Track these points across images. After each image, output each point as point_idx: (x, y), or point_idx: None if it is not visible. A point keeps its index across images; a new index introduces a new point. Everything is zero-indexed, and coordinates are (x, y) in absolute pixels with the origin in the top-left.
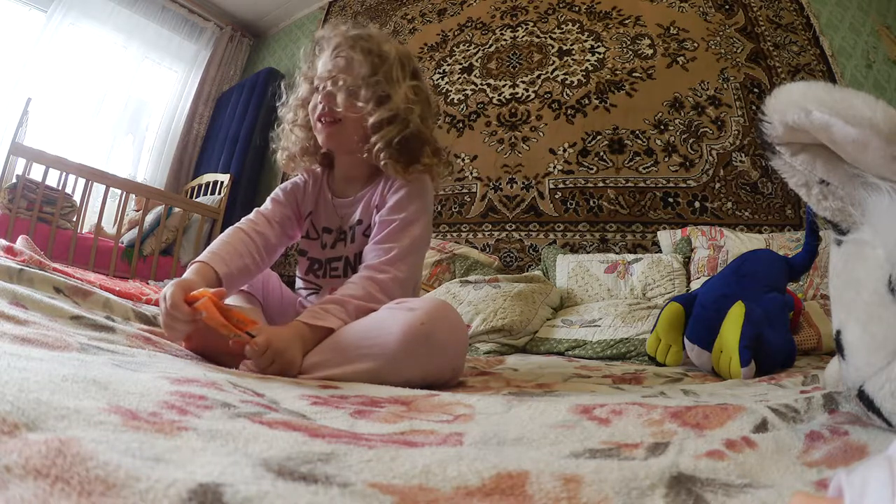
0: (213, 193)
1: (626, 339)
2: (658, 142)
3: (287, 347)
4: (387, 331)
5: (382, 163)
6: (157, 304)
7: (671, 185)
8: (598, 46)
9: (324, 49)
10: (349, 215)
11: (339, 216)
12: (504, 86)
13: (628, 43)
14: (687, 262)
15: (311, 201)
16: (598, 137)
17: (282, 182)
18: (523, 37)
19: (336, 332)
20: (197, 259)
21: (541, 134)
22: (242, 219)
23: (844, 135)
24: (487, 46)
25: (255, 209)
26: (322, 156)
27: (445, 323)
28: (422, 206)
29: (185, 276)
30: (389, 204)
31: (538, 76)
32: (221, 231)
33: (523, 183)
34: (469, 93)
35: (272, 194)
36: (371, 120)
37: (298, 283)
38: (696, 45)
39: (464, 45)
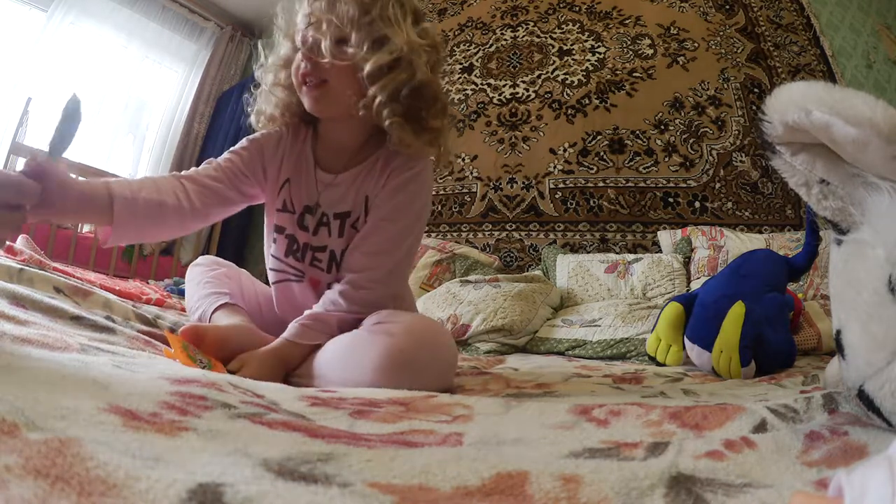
0: None
1: (626, 338)
2: (658, 142)
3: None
4: (365, 359)
5: (387, 122)
6: (157, 303)
7: (671, 185)
8: (599, 46)
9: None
10: (334, 198)
11: (318, 192)
12: (504, 86)
13: (628, 43)
14: (687, 262)
15: (288, 165)
16: (599, 137)
17: None
18: (523, 37)
19: (317, 354)
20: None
21: (541, 134)
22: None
23: (844, 134)
24: (488, 46)
25: (210, 160)
26: (304, 117)
27: (426, 345)
28: (420, 211)
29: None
30: (386, 208)
31: (538, 76)
32: (221, 230)
33: (523, 183)
34: (469, 92)
35: (239, 145)
36: (367, 67)
37: (276, 265)
38: (696, 45)
39: (464, 45)
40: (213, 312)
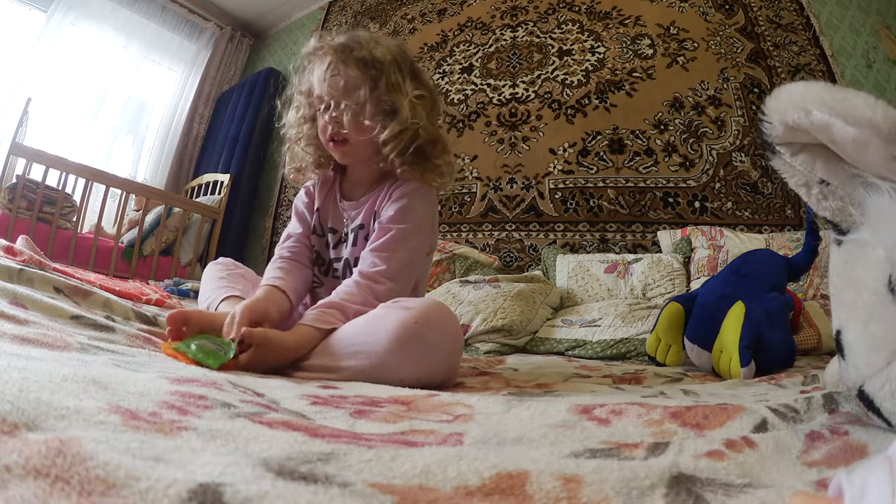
0: (213, 193)
1: (626, 339)
2: (658, 142)
3: (273, 368)
4: (380, 329)
5: (399, 170)
6: (157, 303)
7: (671, 185)
8: (598, 46)
9: (314, 63)
10: (353, 218)
11: (342, 217)
12: (504, 86)
13: (628, 43)
14: (687, 262)
15: (320, 200)
16: (598, 137)
17: (282, 183)
18: (523, 37)
19: (332, 333)
20: (264, 284)
21: (541, 134)
22: (279, 246)
23: (844, 134)
24: (487, 46)
25: (286, 232)
26: (335, 163)
27: (439, 323)
28: (422, 219)
29: (257, 296)
30: (390, 213)
31: (538, 76)
32: (221, 231)
33: (523, 183)
34: (469, 93)
35: (294, 209)
36: (382, 136)
37: None
38: (696, 45)
39: (464, 45)
40: (218, 303)
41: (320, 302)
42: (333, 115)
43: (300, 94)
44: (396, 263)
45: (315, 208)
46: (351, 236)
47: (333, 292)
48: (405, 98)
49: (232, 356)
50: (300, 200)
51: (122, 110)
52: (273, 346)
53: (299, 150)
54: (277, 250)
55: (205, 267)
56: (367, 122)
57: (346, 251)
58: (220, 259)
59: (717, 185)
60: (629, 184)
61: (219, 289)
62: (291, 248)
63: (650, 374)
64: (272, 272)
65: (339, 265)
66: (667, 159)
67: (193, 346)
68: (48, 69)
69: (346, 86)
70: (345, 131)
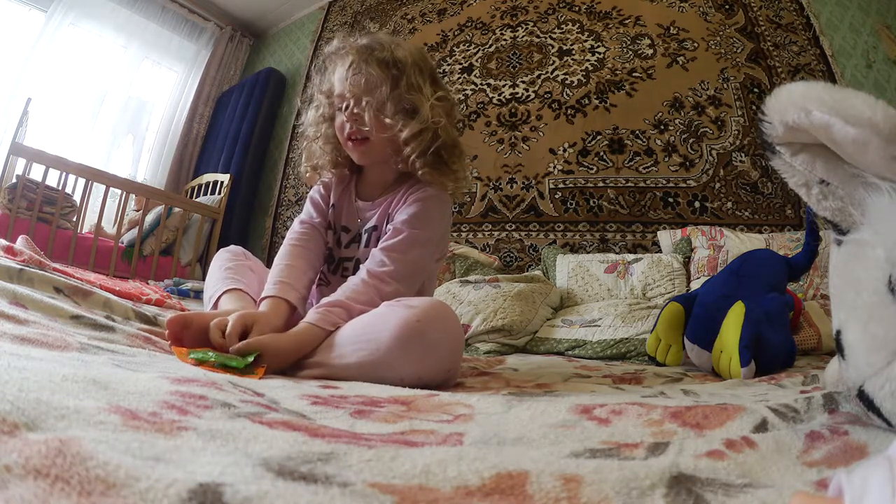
0: (213, 193)
1: (626, 339)
2: (658, 142)
3: (277, 370)
4: (383, 326)
5: (420, 172)
6: (157, 303)
7: (671, 185)
8: (598, 46)
9: (336, 63)
10: (367, 219)
11: (356, 217)
12: (504, 86)
13: (628, 43)
14: (687, 262)
15: (335, 196)
16: (598, 137)
17: (282, 183)
18: (523, 37)
19: (336, 332)
20: (267, 294)
21: (541, 134)
22: (290, 233)
23: (844, 134)
24: (487, 46)
25: (298, 219)
26: (351, 163)
27: (441, 322)
28: (436, 227)
29: (261, 309)
30: (404, 217)
31: (538, 76)
32: (221, 231)
33: (523, 183)
34: (469, 93)
35: (310, 198)
36: (403, 135)
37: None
38: (696, 45)
39: (464, 45)
40: (219, 297)
41: (325, 300)
42: (354, 111)
43: (320, 93)
44: (405, 266)
45: (331, 204)
46: (364, 237)
47: (339, 289)
48: (426, 99)
49: (251, 361)
50: (317, 192)
51: (122, 110)
52: (271, 352)
53: (317, 148)
54: (288, 236)
55: (205, 267)
56: (388, 121)
57: (358, 251)
58: (231, 247)
59: (717, 185)
60: (629, 184)
61: (222, 280)
62: (302, 235)
63: (650, 374)
64: (278, 273)
65: (350, 265)
66: (667, 159)
67: (211, 355)
68: (48, 69)
69: (368, 83)
70: (366, 129)
